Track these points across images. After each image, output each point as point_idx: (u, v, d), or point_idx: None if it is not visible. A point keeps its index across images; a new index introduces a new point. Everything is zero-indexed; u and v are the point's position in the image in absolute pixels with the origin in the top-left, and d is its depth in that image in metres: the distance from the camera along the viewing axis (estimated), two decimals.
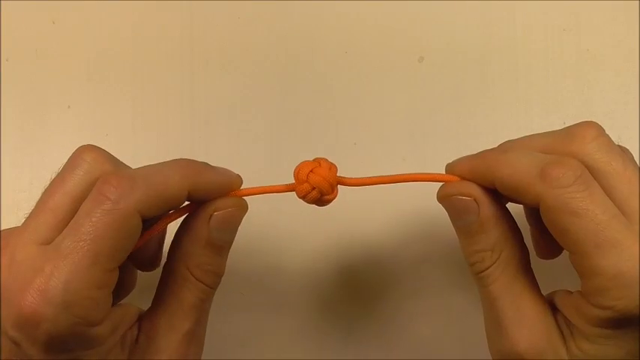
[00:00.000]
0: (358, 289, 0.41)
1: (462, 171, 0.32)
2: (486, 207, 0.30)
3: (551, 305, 0.30)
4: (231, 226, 0.31)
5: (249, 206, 0.32)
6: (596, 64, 0.41)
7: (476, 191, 0.30)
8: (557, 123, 0.40)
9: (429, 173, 0.32)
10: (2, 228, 0.30)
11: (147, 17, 0.43)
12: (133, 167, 0.30)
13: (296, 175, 0.31)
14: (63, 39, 0.43)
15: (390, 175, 0.32)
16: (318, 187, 0.31)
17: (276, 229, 0.41)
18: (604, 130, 0.30)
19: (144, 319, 0.31)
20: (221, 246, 0.31)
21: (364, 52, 0.42)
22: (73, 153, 0.30)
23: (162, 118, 0.42)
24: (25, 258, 0.27)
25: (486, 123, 0.41)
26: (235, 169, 0.32)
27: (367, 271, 0.41)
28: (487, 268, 0.30)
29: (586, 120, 0.30)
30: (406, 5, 0.42)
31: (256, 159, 0.41)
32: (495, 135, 0.40)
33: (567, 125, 0.30)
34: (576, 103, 0.40)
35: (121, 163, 0.31)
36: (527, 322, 0.29)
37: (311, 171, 0.31)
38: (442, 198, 0.31)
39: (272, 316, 0.41)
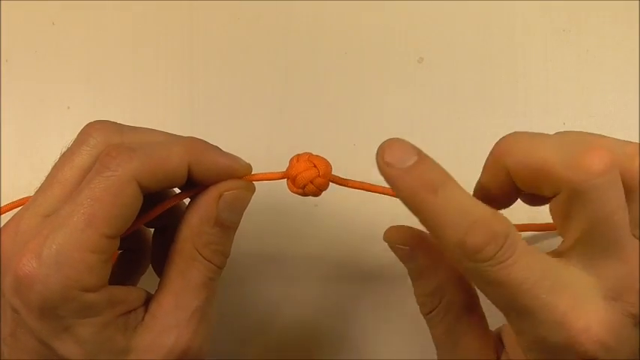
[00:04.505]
0: (358, 286, 0.41)
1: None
2: (422, 257, 0.30)
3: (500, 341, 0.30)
4: (240, 207, 0.31)
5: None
6: (596, 65, 0.41)
7: (412, 240, 0.30)
8: (556, 124, 0.40)
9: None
10: None
11: (147, 17, 0.43)
12: None
13: (292, 178, 0.32)
14: (63, 39, 0.43)
15: (379, 185, 0.31)
16: (311, 194, 0.32)
17: (274, 227, 0.41)
18: (612, 160, 0.25)
19: (151, 300, 0.31)
20: (229, 227, 0.31)
21: (364, 52, 0.42)
22: (82, 128, 0.31)
23: (162, 118, 0.42)
24: (28, 228, 0.28)
25: (486, 123, 0.41)
26: None
27: (367, 269, 0.41)
28: (429, 312, 0.30)
29: (594, 147, 0.25)
30: (406, 5, 0.42)
31: (255, 160, 0.40)
32: (495, 135, 0.40)
33: (567, 126, 0.30)
34: (576, 104, 0.40)
35: (130, 130, 0.31)
36: None
37: (307, 176, 0.32)
38: (386, 241, 0.31)
39: (271, 315, 0.41)
